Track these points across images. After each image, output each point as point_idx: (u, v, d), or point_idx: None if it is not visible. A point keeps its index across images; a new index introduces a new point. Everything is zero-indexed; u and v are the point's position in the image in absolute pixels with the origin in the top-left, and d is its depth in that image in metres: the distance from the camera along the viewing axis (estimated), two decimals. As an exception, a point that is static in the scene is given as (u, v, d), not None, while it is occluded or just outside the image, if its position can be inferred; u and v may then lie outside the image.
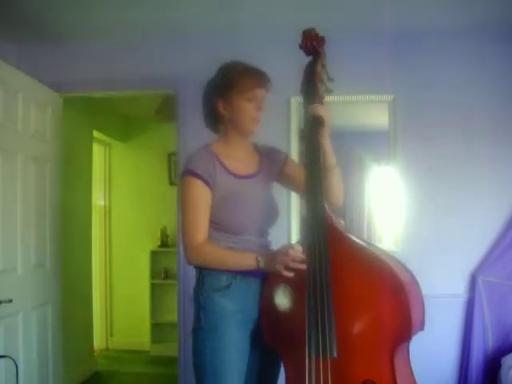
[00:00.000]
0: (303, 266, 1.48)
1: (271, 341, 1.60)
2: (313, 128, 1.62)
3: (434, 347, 2.77)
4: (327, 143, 1.65)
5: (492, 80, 2.96)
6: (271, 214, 1.76)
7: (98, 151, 4.90)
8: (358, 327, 1.48)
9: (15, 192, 2.69)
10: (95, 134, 4.53)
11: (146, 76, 3.13)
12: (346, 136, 3.08)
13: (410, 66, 2.98)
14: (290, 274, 1.49)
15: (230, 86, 1.66)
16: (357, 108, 3.09)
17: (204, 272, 1.65)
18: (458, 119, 2.97)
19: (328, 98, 2.86)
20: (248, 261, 1.59)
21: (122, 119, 5.10)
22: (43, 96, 3.01)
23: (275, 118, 2.96)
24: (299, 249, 1.50)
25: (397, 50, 2.96)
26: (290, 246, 1.52)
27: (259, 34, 2.98)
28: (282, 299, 1.60)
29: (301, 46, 1.76)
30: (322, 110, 1.63)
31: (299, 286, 1.50)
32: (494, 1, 2.63)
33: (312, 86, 1.71)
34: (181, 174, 1.69)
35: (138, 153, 5.07)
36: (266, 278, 1.63)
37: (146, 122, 4.98)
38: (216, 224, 1.65)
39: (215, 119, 1.75)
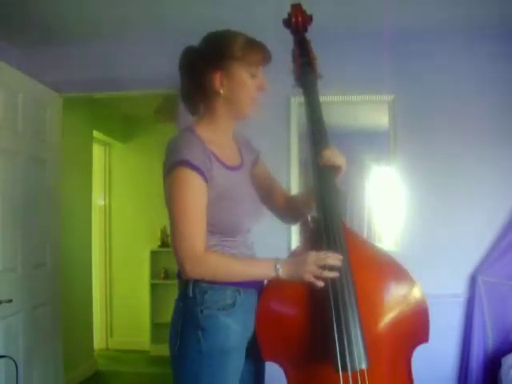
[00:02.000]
0: (335, 274, 1.33)
1: (272, 356, 1.44)
2: (329, 176, 1.50)
3: (434, 347, 2.75)
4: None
5: (492, 80, 2.96)
6: (260, 210, 1.55)
7: (97, 151, 4.90)
8: (383, 334, 1.42)
9: (15, 192, 2.69)
10: (95, 134, 4.54)
11: (146, 76, 3.13)
12: (346, 136, 3.07)
13: (410, 66, 2.98)
14: (322, 284, 1.33)
15: (232, 56, 1.40)
16: (357, 108, 3.09)
17: (203, 285, 1.37)
18: (458, 119, 2.97)
19: (329, 98, 2.91)
20: (266, 270, 1.35)
21: (122, 119, 5.10)
22: (43, 96, 3.01)
23: (275, 118, 2.96)
24: (336, 256, 1.34)
25: (397, 50, 2.96)
26: (322, 253, 1.34)
27: (259, 33, 2.97)
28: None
29: (288, 22, 1.64)
30: (339, 158, 1.48)
31: (304, 294, 1.40)
32: (494, 1, 2.63)
33: (309, 70, 1.61)
34: (171, 164, 1.35)
35: (138, 153, 5.07)
36: (262, 289, 1.45)
37: (146, 122, 4.98)
38: (211, 226, 1.37)
39: (201, 97, 1.46)
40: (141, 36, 3.08)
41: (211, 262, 1.35)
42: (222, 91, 1.42)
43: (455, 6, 2.66)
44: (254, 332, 1.44)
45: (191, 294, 1.38)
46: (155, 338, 4.84)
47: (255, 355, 1.45)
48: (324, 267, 1.33)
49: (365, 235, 3.07)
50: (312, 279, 1.33)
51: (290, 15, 1.66)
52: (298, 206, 1.64)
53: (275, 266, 1.34)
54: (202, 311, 1.36)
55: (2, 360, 2.39)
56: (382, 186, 3.08)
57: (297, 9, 1.65)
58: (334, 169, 1.48)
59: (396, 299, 1.45)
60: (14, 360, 2.36)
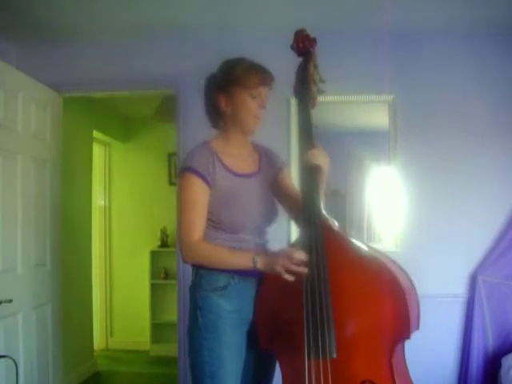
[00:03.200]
0: (304, 270, 1.46)
1: (268, 344, 1.59)
2: (311, 175, 1.58)
3: (434, 347, 2.77)
4: (322, 188, 1.62)
5: (492, 80, 2.96)
6: (270, 213, 1.73)
7: (98, 151, 4.90)
8: (357, 327, 1.49)
9: (15, 192, 2.69)
10: (95, 134, 4.53)
11: (145, 76, 3.13)
12: (346, 136, 3.08)
13: (410, 66, 2.98)
14: (291, 278, 1.46)
15: (233, 81, 1.63)
16: (357, 108, 3.09)
17: (201, 271, 1.62)
18: (458, 119, 2.97)
19: (329, 98, 2.91)
20: (244, 261, 1.55)
21: (122, 119, 5.10)
22: (43, 96, 3.01)
23: (275, 119, 2.96)
24: (301, 252, 1.47)
25: (397, 50, 2.95)
26: (292, 249, 1.50)
27: (259, 34, 2.98)
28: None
29: (292, 47, 1.76)
30: (319, 158, 1.57)
31: (295, 287, 1.49)
32: (494, 1, 2.63)
33: (306, 87, 1.71)
34: (179, 170, 1.67)
35: (138, 153, 5.07)
36: (261, 279, 1.62)
37: (145, 122, 4.97)
38: (214, 223, 1.62)
39: (216, 115, 1.72)
40: (141, 36, 3.08)
41: (201, 249, 1.60)
42: (227, 111, 1.67)
43: (455, 6, 2.66)
44: (253, 320, 1.62)
45: (194, 279, 1.65)
46: (155, 338, 4.84)
47: (256, 345, 1.60)
48: (294, 262, 1.46)
49: (365, 235, 3.08)
50: (283, 272, 1.47)
51: (293, 41, 1.76)
52: None
53: (253, 258, 1.54)
54: (199, 293, 1.62)
55: (2, 360, 2.38)
56: (382, 185, 3.08)
57: (299, 35, 1.74)
58: (316, 168, 1.58)
59: (373, 294, 1.49)
60: (14, 360, 2.36)
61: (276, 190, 1.81)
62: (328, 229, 1.57)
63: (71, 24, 2.94)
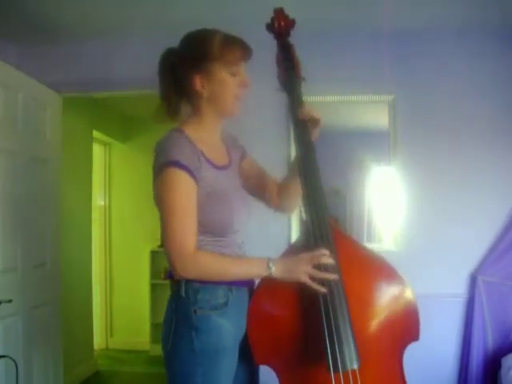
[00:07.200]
0: (334, 277, 1.32)
1: (264, 360, 1.43)
2: (308, 129, 1.54)
3: (434, 347, 2.77)
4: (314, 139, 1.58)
5: (492, 80, 2.96)
6: (249, 210, 1.53)
7: (98, 151, 4.90)
8: (373, 334, 1.42)
9: (15, 192, 2.69)
10: (95, 134, 4.53)
11: (146, 76, 3.11)
12: (346, 136, 3.07)
13: (410, 66, 2.98)
14: (323, 290, 1.32)
15: (210, 57, 1.39)
16: (357, 108, 3.09)
17: (195, 285, 1.36)
18: (458, 119, 2.97)
19: (329, 98, 2.91)
20: (258, 269, 1.36)
21: (122, 119, 5.10)
22: (43, 96, 3.01)
23: (275, 118, 2.96)
24: (327, 254, 1.33)
25: (397, 49, 2.96)
26: (316, 252, 1.34)
27: (258, 33, 2.97)
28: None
29: (271, 26, 1.64)
30: (315, 112, 1.53)
31: (294, 295, 1.40)
32: (494, 1, 2.63)
33: (294, 71, 1.63)
34: (160, 164, 1.35)
35: (138, 153, 5.06)
36: (254, 289, 1.46)
37: (146, 122, 4.97)
38: (201, 226, 1.37)
39: (187, 98, 1.47)
40: (141, 36, 3.08)
41: (202, 261, 1.35)
42: (204, 93, 1.43)
43: (455, 6, 2.66)
44: (246, 334, 1.43)
45: (184, 295, 1.38)
46: (155, 338, 4.82)
47: (249, 356, 1.44)
48: (318, 267, 1.33)
49: (365, 235, 3.08)
50: (308, 280, 1.33)
51: (272, 20, 1.67)
52: (290, 191, 1.65)
53: (267, 264, 1.35)
54: (195, 311, 1.36)
55: (2, 360, 2.39)
56: (382, 185, 3.08)
57: (279, 13, 1.65)
58: (314, 123, 1.52)
59: (386, 298, 1.45)
60: (14, 360, 2.36)
61: (249, 179, 1.63)
62: (335, 231, 1.46)
63: (71, 24, 2.94)
